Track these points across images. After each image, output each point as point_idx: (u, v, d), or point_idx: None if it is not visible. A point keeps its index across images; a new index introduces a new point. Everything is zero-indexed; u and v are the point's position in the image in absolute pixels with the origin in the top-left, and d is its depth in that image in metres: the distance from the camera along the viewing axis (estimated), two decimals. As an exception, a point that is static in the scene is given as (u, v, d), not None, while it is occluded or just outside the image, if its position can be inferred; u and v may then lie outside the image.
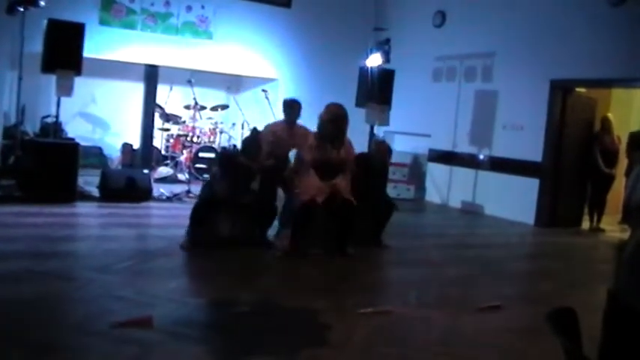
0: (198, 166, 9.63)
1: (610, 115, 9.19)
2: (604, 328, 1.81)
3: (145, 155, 9.74)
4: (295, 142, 6.15)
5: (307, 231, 5.53)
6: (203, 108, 10.20)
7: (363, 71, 8.44)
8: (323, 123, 5.58)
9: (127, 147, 9.93)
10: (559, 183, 8.84)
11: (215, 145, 9.92)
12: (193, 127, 9.97)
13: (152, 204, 7.61)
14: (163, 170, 9.70)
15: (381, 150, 6.95)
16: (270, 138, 6.12)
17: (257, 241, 5.62)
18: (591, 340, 1.84)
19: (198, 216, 5.40)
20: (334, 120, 5.55)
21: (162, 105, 10.12)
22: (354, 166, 5.77)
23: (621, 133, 9.04)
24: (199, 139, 9.97)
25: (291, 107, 6.38)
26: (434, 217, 9.51)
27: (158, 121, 10.07)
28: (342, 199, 5.46)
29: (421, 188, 10.71)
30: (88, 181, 7.84)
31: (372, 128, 7.98)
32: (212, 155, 9.70)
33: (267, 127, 6.53)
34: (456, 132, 10.09)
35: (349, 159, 5.71)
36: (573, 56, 8.36)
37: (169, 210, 7.38)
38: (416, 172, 10.85)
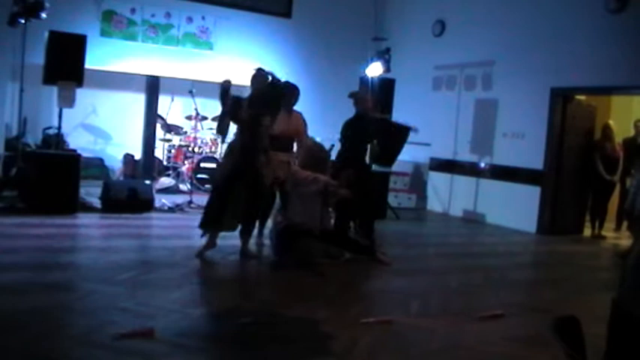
0: (199, 176, 9.64)
1: (611, 122, 9.22)
2: (608, 337, 1.80)
3: (146, 166, 9.74)
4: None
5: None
6: (204, 118, 10.22)
7: (364, 81, 8.48)
8: None
9: (128, 158, 9.94)
10: (560, 190, 8.84)
11: (217, 156, 9.93)
12: (195, 138, 9.99)
13: (154, 215, 7.61)
14: (165, 181, 9.71)
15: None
16: None
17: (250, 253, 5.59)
18: (595, 348, 1.83)
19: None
20: None
21: (164, 116, 10.14)
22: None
23: (621, 140, 9.07)
24: (201, 149, 9.99)
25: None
26: (435, 225, 9.50)
27: (160, 132, 10.08)
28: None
29: (422, 197, 10.71)
30: (90, 192, 7.85)
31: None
32: (214, 165, 9.72)
33: None
34: (456, 140, 10.10)
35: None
36: (573, 64, 8.38)
37: (171, 221, 7.38)
38: (417, 181, 10.86)
